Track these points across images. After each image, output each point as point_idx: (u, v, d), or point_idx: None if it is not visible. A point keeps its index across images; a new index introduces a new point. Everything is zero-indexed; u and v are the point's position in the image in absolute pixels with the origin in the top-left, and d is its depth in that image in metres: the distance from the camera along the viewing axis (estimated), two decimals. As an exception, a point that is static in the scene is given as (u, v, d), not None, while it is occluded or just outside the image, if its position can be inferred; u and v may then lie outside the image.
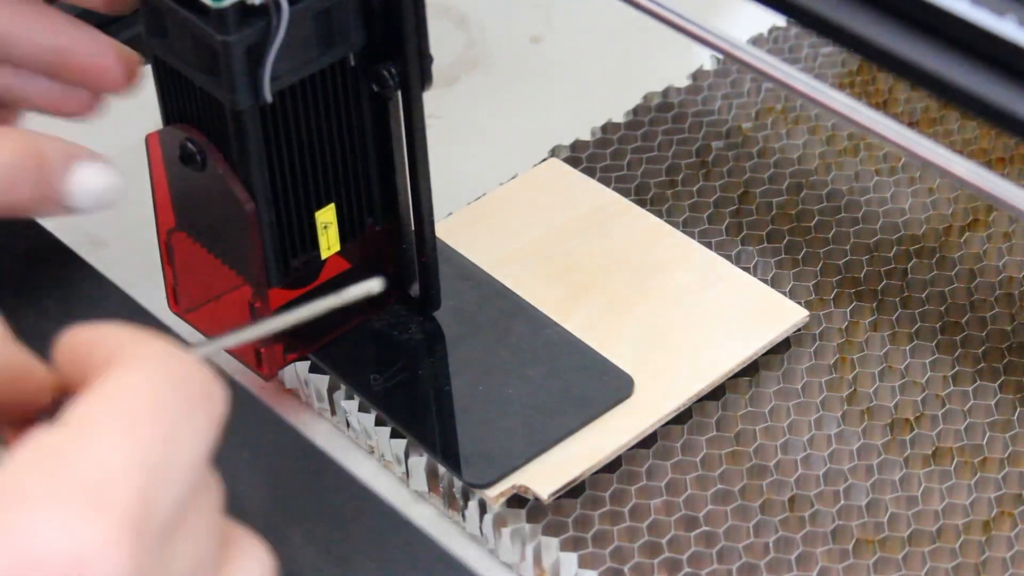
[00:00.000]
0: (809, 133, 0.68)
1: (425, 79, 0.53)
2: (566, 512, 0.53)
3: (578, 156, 0.67)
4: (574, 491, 0.54)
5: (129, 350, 0.32)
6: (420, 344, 0.58)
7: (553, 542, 0.53)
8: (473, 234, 0.62)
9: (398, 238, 0.56)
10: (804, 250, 0.62)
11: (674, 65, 0.71)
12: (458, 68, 0.74)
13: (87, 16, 0.64)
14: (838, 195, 0.65)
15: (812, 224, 0.64)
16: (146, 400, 0.31)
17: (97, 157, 0.48)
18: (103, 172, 0.48)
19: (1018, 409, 0.56)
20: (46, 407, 0.35)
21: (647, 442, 0.55)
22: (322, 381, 0.57)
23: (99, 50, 0.52)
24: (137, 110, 0.71)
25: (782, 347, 0.58)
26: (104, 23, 0.65)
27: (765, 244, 0.63)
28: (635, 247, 0.61)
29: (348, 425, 0.57)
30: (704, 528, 0.53)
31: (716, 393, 0.57)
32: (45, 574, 0.27)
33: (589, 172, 0.66)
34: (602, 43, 0.75)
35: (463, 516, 0.54)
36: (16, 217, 0.49)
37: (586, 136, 0.68)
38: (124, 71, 0.53)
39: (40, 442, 0.30)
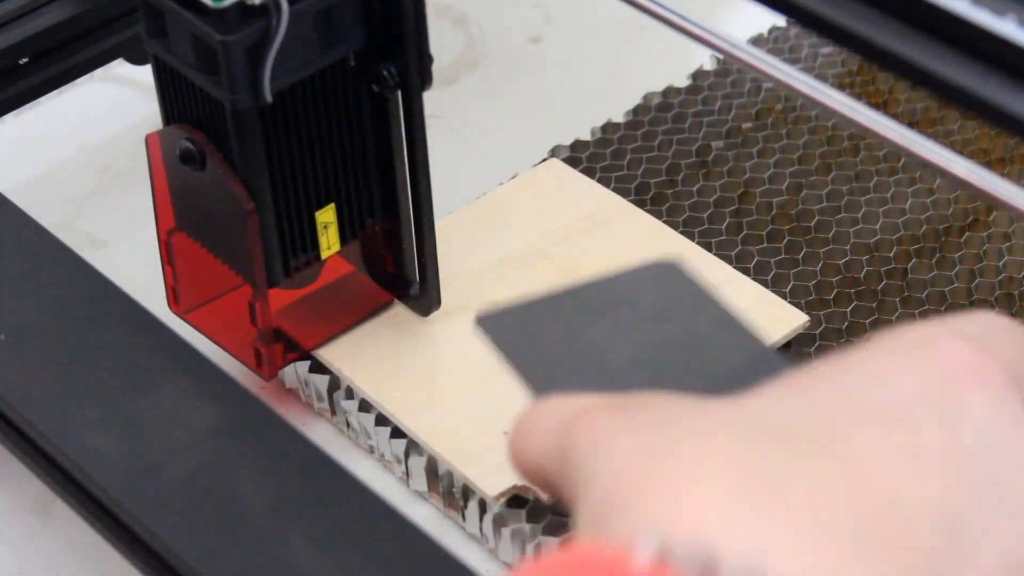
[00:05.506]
0: (809, 133, 0.68)
1: (425, 79, 0.53)
2: (566, 512, 0.53)
3: (578, 156, 0.67)
4: (574, 491, 0.54)
5: None
6: None
7: (553, 542, 0.53)
8: (473, 234, 0.62)
9: (398, 238, 0.56)
10: (804, 250, 0.62)
11: (674, 65, 0.71)
12: (458, 68, 0.74)
13: (88, 15, 0.64)
14: (838, 195, 0.65)
15: (812, 224, 0.64)
16: None
17: None
18: None
19: (1018, 409, 0.56)
20: None
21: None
22: (322, 381, 0.57)
23: None
24: (137, 110, 0.71)
25: (782, 348, 0.58)
26: (104, 23, 0.65)
27: (765, 244, 0.63)
28: (635, 248, 0.61)
29: (348, 425, 0.57)
30: (704, 528, 0.53)
31: (716, 393, 0.57)
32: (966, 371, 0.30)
33: (589, 172, 0.66)
34: (602, 43, 0.75)
35: (463, 516, 0.54)
36: None
37: (586, 136, 0.68)
38: None
39: None
